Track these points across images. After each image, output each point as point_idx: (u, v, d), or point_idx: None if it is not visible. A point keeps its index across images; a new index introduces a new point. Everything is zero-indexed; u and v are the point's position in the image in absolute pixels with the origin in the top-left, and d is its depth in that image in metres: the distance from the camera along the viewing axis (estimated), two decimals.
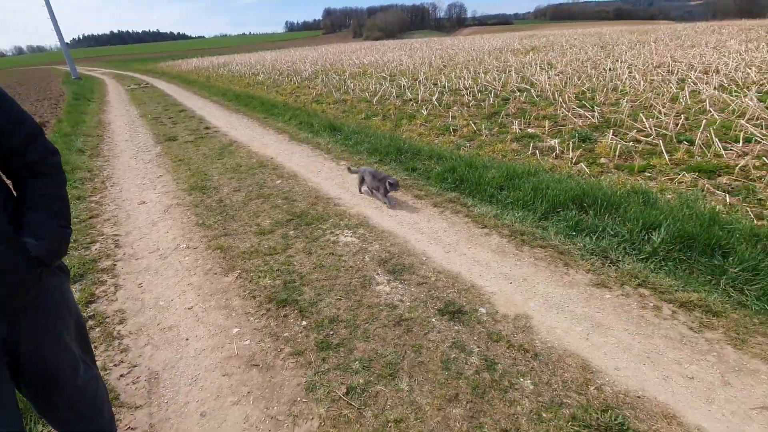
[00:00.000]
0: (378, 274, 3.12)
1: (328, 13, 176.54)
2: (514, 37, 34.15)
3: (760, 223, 3.49)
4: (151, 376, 2.32)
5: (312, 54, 31.54)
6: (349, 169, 5.12)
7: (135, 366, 2.40)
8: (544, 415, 1.91)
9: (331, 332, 2.52)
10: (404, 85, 11.39)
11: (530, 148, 5.81)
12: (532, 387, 2.06)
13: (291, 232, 3.87)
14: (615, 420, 1.82)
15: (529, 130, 6.70)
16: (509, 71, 12.35)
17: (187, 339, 2.60)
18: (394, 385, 2.12)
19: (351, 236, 3.72)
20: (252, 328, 2.64)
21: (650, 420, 1.86)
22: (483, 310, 2.65)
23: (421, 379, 2.15)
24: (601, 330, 2.44)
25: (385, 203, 4.41)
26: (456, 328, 2.50)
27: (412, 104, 9.34)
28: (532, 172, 4.64)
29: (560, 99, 8.24)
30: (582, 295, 2.77)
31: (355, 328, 2.54)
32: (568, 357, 2.24)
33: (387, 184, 4.25)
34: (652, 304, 2.62)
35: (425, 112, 8.35)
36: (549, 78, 10.57)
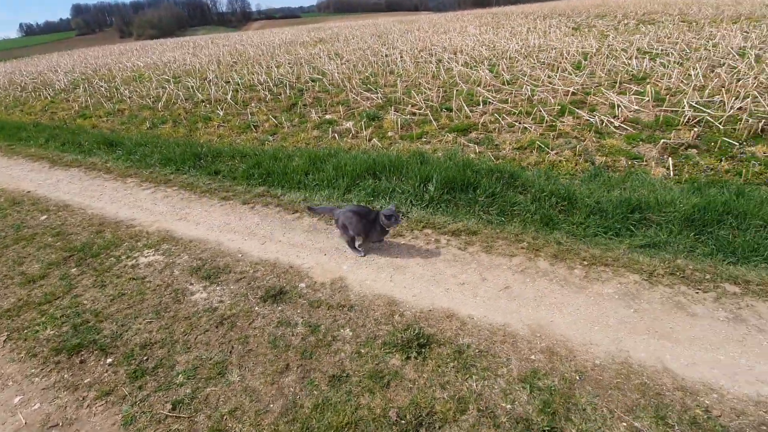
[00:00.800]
0: (191, 283, 2.95)
1: (78, 10, 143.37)
2: (303, 30, 34.92)
3: (497, 162, 4.67)
4: None
5: (66, 60, 25.71)
6: (310, 209, 3.67)
7: None
8: (363, 350, 2.22)
9: (145, 357, 2.30)
10: (193, 86, 10.50)
11: (330, 132, 6.23)
12: (351, 333, 2.36)
13: (73, 269, 3.26)
14: (414, 333, 2.26)
15: (327, 117, 7.15)
16: (301, 63, 12.71)
17: None
18: (225, 381, 2.11)
19: (153, 255, 3.38)
20: (40, 389, 2.19)
21: (438, 324, 2.37)
22: (303, 285, 2.83)
23: (252, 365, 2.19)
24: (400, 270, 2.93)
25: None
26: (279, 308, 2.61)
27: (206, 105, 8.74)
28: (332, 154, 5.02)
29: (349, 85, 8.99)
30: (383, 247, 3.23)
31: (174, 344, 2.38)
32: (378, 299, 2.63)
33: (382, 218, 3.00)
34: (434, 239, 3.26)
35: (221, 112, 7.95)
36: (338, 67, 11.34)
